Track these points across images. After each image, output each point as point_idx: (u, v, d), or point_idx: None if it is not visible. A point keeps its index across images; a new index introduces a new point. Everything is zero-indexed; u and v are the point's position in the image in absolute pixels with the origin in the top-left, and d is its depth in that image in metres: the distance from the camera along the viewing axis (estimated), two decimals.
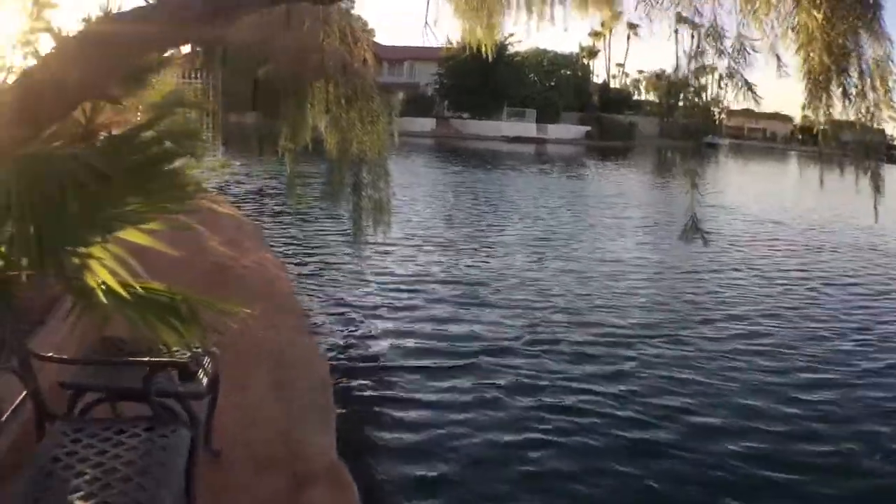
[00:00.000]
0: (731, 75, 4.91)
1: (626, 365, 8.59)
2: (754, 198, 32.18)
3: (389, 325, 9.56)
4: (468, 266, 13.60)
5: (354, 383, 7.37)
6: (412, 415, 6.76)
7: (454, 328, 9.51)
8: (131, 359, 3.83)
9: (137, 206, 3.61)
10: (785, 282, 14.00)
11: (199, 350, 4.33)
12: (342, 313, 9.88)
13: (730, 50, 4.85)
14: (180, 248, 9.65)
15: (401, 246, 14.64)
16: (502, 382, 7.71)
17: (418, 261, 13.66)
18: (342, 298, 10.66)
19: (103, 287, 3.01)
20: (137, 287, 3.24)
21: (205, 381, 4.09)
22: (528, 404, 7.23)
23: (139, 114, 12.99)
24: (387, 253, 13.69)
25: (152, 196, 3.63)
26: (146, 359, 3.79)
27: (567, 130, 76.45)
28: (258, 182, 21.81)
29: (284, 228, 16.20)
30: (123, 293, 3.07)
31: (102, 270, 3.09)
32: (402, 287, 11.45)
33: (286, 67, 8.89)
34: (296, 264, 12.89)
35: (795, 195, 37.18)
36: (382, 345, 8.74)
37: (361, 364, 8.03)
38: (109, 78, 3.99)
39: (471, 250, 15.31)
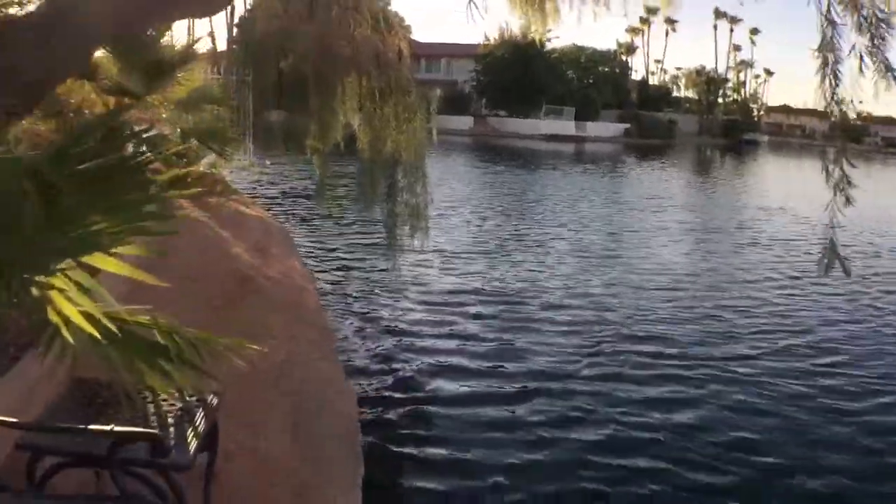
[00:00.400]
0: (872, 53, 3.83)
1: (694, 392, 7.64)
2: (804, 198, 30.72)
3: (427, 347, 8.62)
4: (514, 277, 12.49)
5: (386, 417, 6.53)
6: (453, 458, 5.87)
7: (500, 351, 8.56)
8: (92, 426, 2.99)
9: (105, 226, 2.77)
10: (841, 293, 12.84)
11: (192, 400, 3.53)
12: (374, 332, 8.98)
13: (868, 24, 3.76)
14: (201, 255, 8.92)
15: (440, 254, 13.56)
16: (558, 417, 6.78)
17: (459, 271, 12.60)
18: (374, 315, 9.74)
19: (69, 323, 2.47)
20: (108, 322, 2.57)
21: (193, 445, 3.24)
22: (588, 443, 6.32)
23: (164, 112, 11.98)
24: (424, 263, 12.61)
25: (122, 213, 2.79)
26: (109, 427, 2.95)
27: (606, 128, 75.11)
28: (293, 183, 21.02)
29: (315, 233, 15.29)
30: (93, 330, 2.48)
31: (65, 303, 2.51)
32: (441, 302, 10.43)
33: (312, 59, 8.04)
34: (325, 273, 12.02)
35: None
36: (418, 372, 7.82)
37: (394, 395, 7.12)
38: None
39: (516, 259, 14.19)
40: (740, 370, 8.37)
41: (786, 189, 35.59)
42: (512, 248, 15.29)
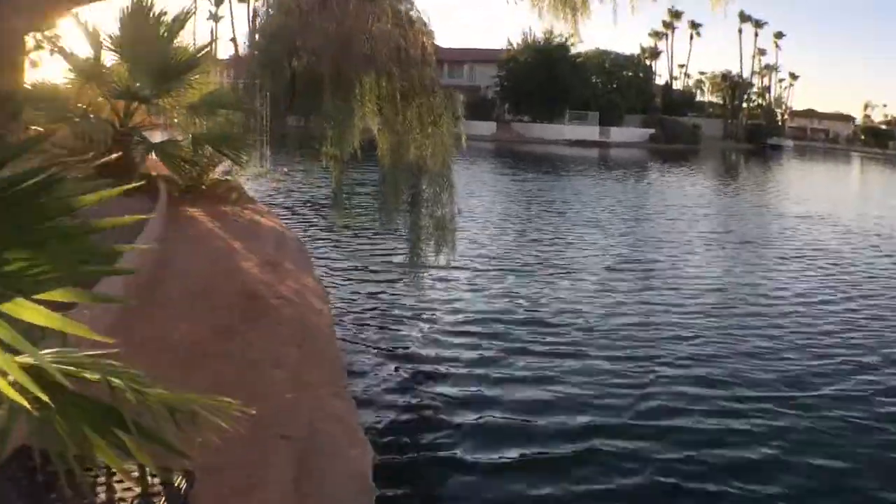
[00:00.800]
0: None
1: (759, 426, 6.76)
2: (840, 204, 29.63)
3: (451, 375, 7.67)
4: (552, 298, 11.27)
5: (405, 476, 5.63)
6: None
7: (535, 381, 7.57)
8: None
9: (21, 267, 2.03)
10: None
11: (156, 483, 2.73)
12: (392, 358, 8.01)
13: None
14: (210, 267, 8.11)
15: (469, 271, 12.41)
16: (623, 483, 5.70)
17: (490, 291, 11.35)
18: (393, 338, 8.76)
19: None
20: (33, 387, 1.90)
21: None
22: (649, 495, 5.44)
23: (176, 116, 11.24)
24: (451, 281, 11.50)
25: (44, 252, 2.04)
26: None
27: (630, 133, 74.27)
28: (313, 191, 19.97)
29: (332, 246, 14.22)
30: (20, 398, 1.91)
31: None
32: (470, 328, 9.32)
33: (327, 57, 7.25)
34: (340, 288, 11.10)
35: (882, 201, 34.30)
36: (442, 405, 6.87)
37: (415, 451, 6.11)
38: None
39: (553, 277, 12.92)
40: (805, 398, 7.46)
41: (819, 195, 34.48)
42: (543, 264, 14.11)
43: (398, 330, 9.09)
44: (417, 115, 7.41)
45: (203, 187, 16.58)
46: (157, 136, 15.43)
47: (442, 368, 7.89)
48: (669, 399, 7.28)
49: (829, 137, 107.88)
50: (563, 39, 73.64)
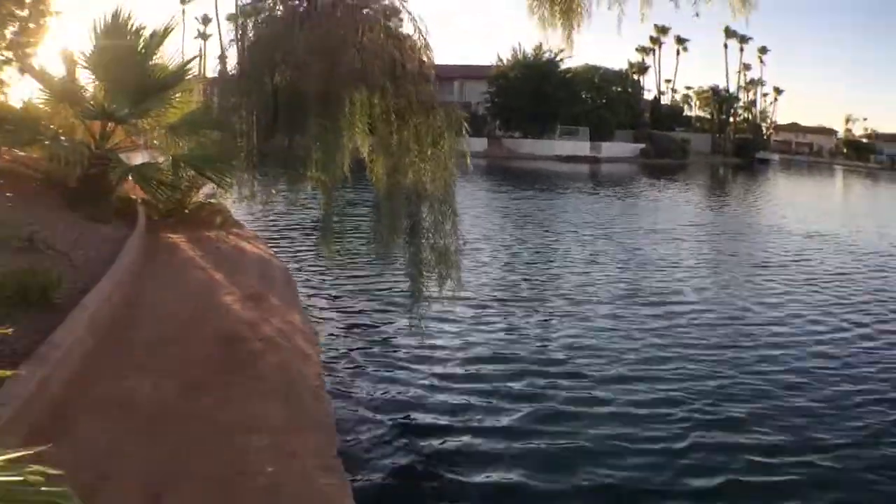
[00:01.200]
0: None
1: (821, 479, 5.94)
2: (840, 220, 29.03)
3: (460, 440, 6.59)
4: (560, 334, 10.20)
5: None
6: None
7: (562, 446, 6.51)
8: None
9: None
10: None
11: None
12: (392, 417, 6.93)
13: None
14: (184, 306, 7.21)
15: (472, 306, 11.17)
16: None
17: (496, 328, 10.28)
18: (393, 389, 7.69)
19: None
20: None
21: None
22: None
23: (156, 138, 10.34)
24: (454, 318, 10.35)
25: None
26: None
27: (621, 148, 73.93)
28: (302, 213, 18.47)
29: (323, 275, 13.11)
30: None
31: None
32: (477, 371, 8.34)
33: (312, 71, 6.42)
34: (331, 322, 10.11)
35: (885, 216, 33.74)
36: (452, 481, 5.85)
37: None
38: None
39: (560, 309, 11.77)
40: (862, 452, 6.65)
41: (818, 210, 33.90)
42: (549, 294, 12.99)
43: (396, 374, 8.07)
44: (415, 134, 6.59)
45: (186, 211, 15.76)
46: (137, 158, 14.62)
47: (446, 420, 6.95)
48: (705, 456, 6.40)
49: (812, 151, 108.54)
50: (553, 55, 73.45)
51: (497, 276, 14.31)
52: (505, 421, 6.98)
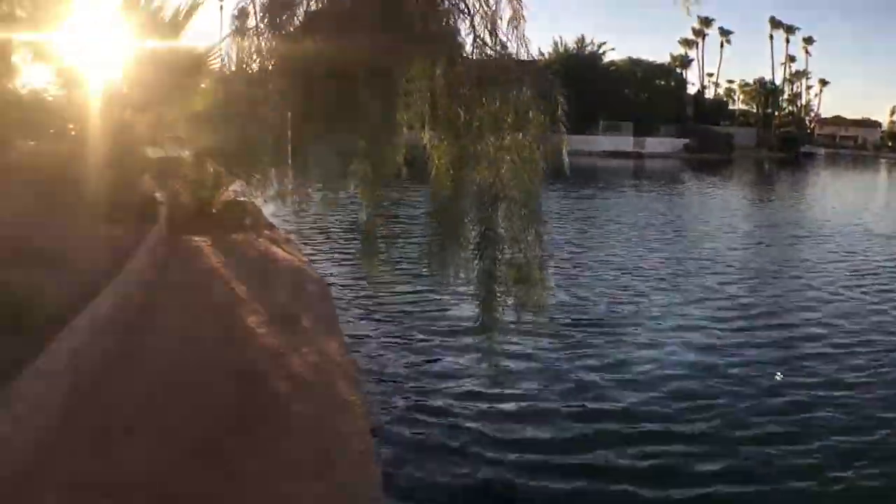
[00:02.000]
0: None
1: None
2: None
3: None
4: (651, 368, 8.32)
5: None
6: None
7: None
8: None
9: None
10: None
11: None
12: (461, 485, 5.34)
13: None
14: (199, 332, 5.57)
15: (547, 336, 8.99)
16: None
17: (575, 360, 8.44)
18: (463, 473, 5.67)
19: None
20: None
21: None
22: None
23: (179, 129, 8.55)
24: (529, 350, 8.36)
25: None
26: None
27: (664, 143, 71.71)
28: (343, 214, 15.48)
29: (368, 291, 10.69)
30: None
31: None
32: (556, 417, 6.65)
33: (356, 36, 4.83)
34: (377, 356, 8.19)
35: None
36: None
37: None
38: None
39: (645, 335, 9.80)
40: None
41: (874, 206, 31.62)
42: (630, 316, 10.84)
43: (465, 443, 6.11)
44: (492, 117, 4.97)
45: (213, 211, 14.41)
46: (161, 152, 13.35)
47: (523, 482, 5.34)
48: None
49: (857, 144, 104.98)
50: (596, 48, 71.17)
51: (571, 292, 12.12)
52: (593, 481, 5.45)
